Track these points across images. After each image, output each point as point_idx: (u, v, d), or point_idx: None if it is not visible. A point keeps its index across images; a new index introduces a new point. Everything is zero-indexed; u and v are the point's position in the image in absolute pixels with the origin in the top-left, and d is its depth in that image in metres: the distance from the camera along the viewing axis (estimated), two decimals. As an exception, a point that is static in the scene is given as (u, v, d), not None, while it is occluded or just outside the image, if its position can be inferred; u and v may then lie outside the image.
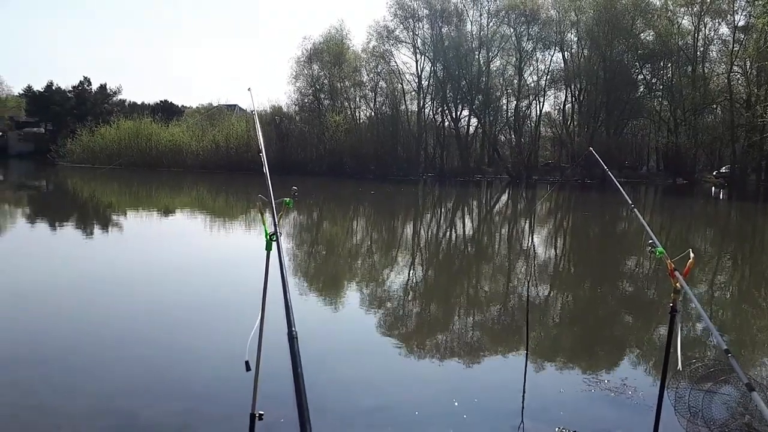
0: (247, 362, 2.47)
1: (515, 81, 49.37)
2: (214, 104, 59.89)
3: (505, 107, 51.26)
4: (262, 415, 2.62)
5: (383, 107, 51.12)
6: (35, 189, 30.60)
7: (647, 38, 46.77)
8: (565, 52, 48.60)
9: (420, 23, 49.10)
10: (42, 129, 69.07)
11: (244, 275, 9.25)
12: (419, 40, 49.37)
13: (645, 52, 46.23)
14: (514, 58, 49.00)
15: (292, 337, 1.67)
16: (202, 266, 10.31)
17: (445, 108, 50.27)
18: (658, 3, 46.21)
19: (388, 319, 7.15)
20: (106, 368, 5.04)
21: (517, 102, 49.65)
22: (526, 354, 5.48)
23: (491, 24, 49.35)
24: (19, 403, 4.21)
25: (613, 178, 4.54)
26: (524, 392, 4.75)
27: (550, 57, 49.26)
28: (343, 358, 5.65)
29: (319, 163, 45.12)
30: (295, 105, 50.66)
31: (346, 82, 50.26)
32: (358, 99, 51.66)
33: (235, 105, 60.21)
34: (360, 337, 6.39)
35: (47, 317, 6.67)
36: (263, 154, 2.76)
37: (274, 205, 2.35)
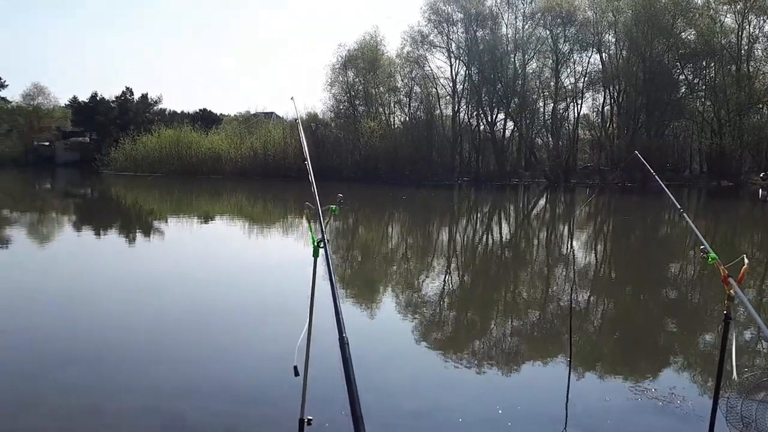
0: (295, 367, 2.50)
1: (552, 83, 48.78)
2: (252, 112, 60.88)
3: (541, 110, 50.68)
4: (311, 420, 2.65)
5: (418, 112, 51.16)
6: (81, 197, 31.62)
7: (688, 37, 45.58)
8: (603, 53, 47.79)
9: (454, 27, 49.07)
10: (87, 138, 71.31)
11: (287, 279, 9.40)
12: (454, 45, 49.33)
13: (686, 52, 45.05)
14: (551, 60, 48.43)
15: (343, 343, 1.69)
16: (245, 270, 10.49)
17: (481, 112, 50.00)
18: (699, 1, 45.07)
19: (427, 325, 7.14)
20: (154, 369, 5.17)
21: (554, 104, 49.03)
22: (569, 361, 5.39)
23: (527, 26, 48.97)
24: (72, 404, 4.35)
25: (660, 182, 4.42)
26: (567, 400, 4.68)
27: (587, 58, 48.52)
28: (385, 363, 5.66)
29: (353, 168, 45.35)
30: (331, 111, 51.17)
31: (381, 88, 50.50)
32: (392, 104, 51.86)
33: (272, 113, 61.10)
34: (400, 342, 6.38)
35: (98, 319, 6.88)
36: (308, 162, 2.80)
37: (320, 213, 2.38)
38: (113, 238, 15.28)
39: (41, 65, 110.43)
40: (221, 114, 73.46)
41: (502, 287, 10.05)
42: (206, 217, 20.52)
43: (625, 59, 46.76)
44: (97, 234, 16.02)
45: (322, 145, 49.50)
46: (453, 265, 11.86)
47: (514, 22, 49.13)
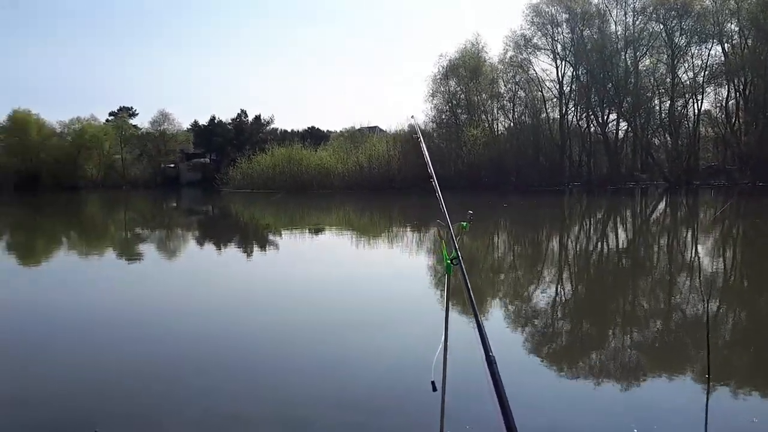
0: (433, 382, 2.54)
1: (668, 79, 45.80)
2: (357, 127, 62.49)
3: (657, 108, 47.65)
4: (450, 434, 2.68)
5: (522, 117, 50.10)
6: (203, 213, 33.98)
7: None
8: (725, 44, 44.14)
9: (559, 28, 47.59)
10: (207, 159, 76.67)
11: (412, 292, 9.54)
12: (559, 46, 47.81)
13: (823, 35, 40.64)
14: (666, 56, 45.55)
15: (490, 361, 1.71)
16: (367, 281, 10.79)
17: (591, 113, 47.98)
18: (838, -22, 40.55)
19: (549, 338, 6.95)
20: (284, 377, 5.41)
21: (671, 102, 45.97)
22: (708, 378, 5.03)
23: (638, 22, 46.46)
24: (210, 409, 4.65)
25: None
26: (707, 420, 4.38)
27: (707, 51, 45.00)
28: (512, 378, 5.56)
29: (457, 178, 45.15)
30: (432, 122, 51.36)
31: (483, 95, 49.98)
32: (495, 111, 51.11)
33: (375, 126, 62.37)
34: (526, 357, 6.24)
35: (228, 328, 7.33)
36: (434, 179, 2.85)
37: (452, 230, 2.42)
38: (236, 250, 16.27)
39: (166, 93, 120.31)
40: (328, 130, 76.05)
41: (626, 297, 9.56)
42: (317, 230, 21.30)
43: (750, 49, 42.94)
44: (217, 248, 17.14)
45: (424, 155, 49.73)
46: (566, 275, 11.45)
47: (623, 18, 46.86)
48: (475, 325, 1.87)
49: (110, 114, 77.93)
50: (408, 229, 21.15)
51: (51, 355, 6.24)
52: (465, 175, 44.77)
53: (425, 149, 3.12)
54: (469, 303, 1.92)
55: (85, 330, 7.33)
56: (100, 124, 72.38)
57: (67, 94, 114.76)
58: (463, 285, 2.06)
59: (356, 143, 52.60)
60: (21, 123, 65.96)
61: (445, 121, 50.65)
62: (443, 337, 2.66)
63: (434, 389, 2.54)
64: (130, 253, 15.71)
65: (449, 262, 2.45)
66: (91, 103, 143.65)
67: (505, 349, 6.45)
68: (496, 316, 8.16)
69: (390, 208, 32.32)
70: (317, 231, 21.14)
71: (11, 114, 66.66)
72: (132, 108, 79.89)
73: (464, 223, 2.55)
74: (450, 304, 2.81)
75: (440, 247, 2.56)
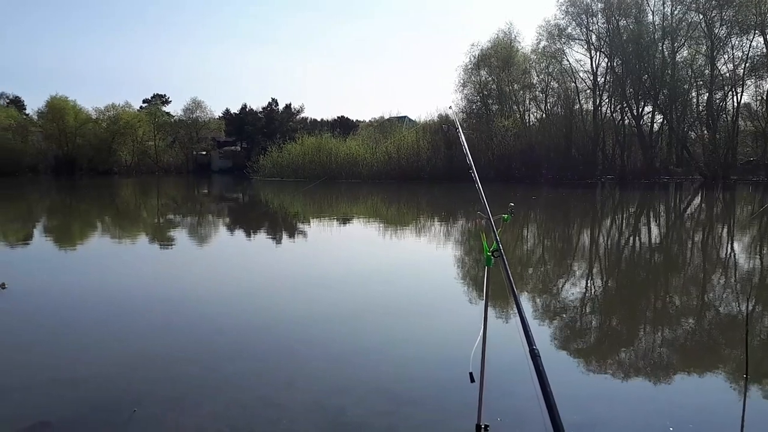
0: (471, 374, 2.54)
1: (706, 71, 44.55)
2: (386, 117, 62.36)
3: (695, 101, 46.45)
4: (488, 426, 2.68)
5: (555, 108, 49.36)
6: (234, 201, 34.40)
7: None
8: (768, 35, 42.73)
9: (594, 18, 46.62)
10: (238, 147, 77.61)
11: (449, 283, 9.56)
12: (594, 36, 46.87)
13: None
14: (704, 47, 44.28)
15: (534, 355, 1.70)
16: (404, 270, 10.82)
17: (625, 105, 47.00)
18: None
19: (586, 333, 6.88)
20: (320, 365, 5.45)
21: (709, 94, 44.71)
22: (746, 377, 4.93)
23: (676, 12, 45.20)
24: (245, 396, 4.73)
25: None
26: (743, 421, 4.30)
27: (748, 42, 43.57)
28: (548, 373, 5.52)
29: (486, 169, 44.75)
30: (462, 112, 50.91)
31: (515, 86, 49.38)
32: (527, 101, 50.49)
33: (404, 116, 62.19)
34: (560, 351, 6.18)
35: (264, 315, 7.43)
36: (473, 171, 2.84)
37: (492, 222, 2.41)
38: (268, 238, 16.45)
39: (199, 81, 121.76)
40: (357, 120, 76.17)
41: (660, 294, 9.39)
42: (346, 219, 21.38)
43: (795, 39, 41.49)
44: (251, 234, 17.36)
45: (454, 146, 49.47)
46: (596, 270, 11.30)
47: (661, 8, 45.64)
48: (518, 318, 1.86)
49: (144, 101, 79.37)
50: (439, 220, 21.10)
51: (93, 338, 6.43)
52: (494, 166, 44.39)
53: (464, 141, 3.09)
54: (511, 296, 1.92)
55: (123, 313, 7.52)
56: (134, 111, 73.70)
57: (103, 81, 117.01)
58: (504, 278, 2.06)
59: (385, 133, 52.55)
60: (58, 109, 67.53)
61: (475, 111, 50.26)
62: (482, 329, 2.66)
63: (472, 380, 2.54)
64: (164, 238, 16.01)
65: (490, 254, 2.44)
66: (126, 90, 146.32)
67: (540, 343, 6.40)
68: (530, 310, 8.12)
69: (418, 198, 32.26)
70: (347, 220, 21.22)
71: (49, 100, 68.31)
72: (165, 95, 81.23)
73: (506, 216, 2.54)
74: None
75: (481, 239, 2.55)
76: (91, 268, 11.31)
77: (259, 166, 52.98)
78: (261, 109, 77.52)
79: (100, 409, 4.39)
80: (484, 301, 2.68)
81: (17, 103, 75.06)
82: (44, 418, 4.18)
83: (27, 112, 73.60)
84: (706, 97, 45.25)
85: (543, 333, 6.59)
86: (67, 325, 6.89)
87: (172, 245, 14.66)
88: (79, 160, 67.73)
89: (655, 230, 18.26)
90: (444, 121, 50.84)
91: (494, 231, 2.38)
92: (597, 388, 5.10)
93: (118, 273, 10.58)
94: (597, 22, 46.62)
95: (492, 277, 2.61)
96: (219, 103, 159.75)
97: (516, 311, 1.88)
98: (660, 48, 45.54)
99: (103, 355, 5.72)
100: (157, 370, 5.30)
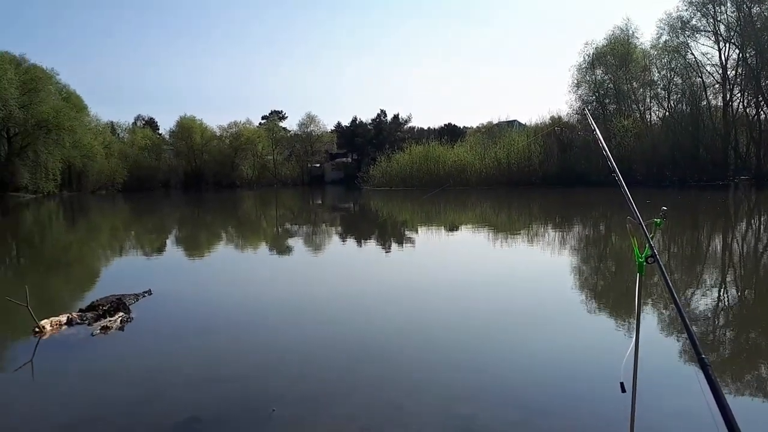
0: (622, 383, 2.43)
1: None
2: (494, 122, 61.48)
3: None
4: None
5: (679, 105, 46.22)
6: (345, 210, 35.40)
7: None
8: None
9: (722, 7, 43.18)
10: (349, 159, 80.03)
11: (595, 290, 9.24)
12: (722, 27, 43.40)
13: None
14: None
15: (705, 365, 1.60)
16: (548, 279, 10.62)
17: (761, 99, 42.95)
18: None
19: (733, 347, 6.33)
20: (451, 373, 5.44)
21: None
22: None
23: (822, -8, 40.78)
24: (375, 397, 4.82)
25: None
26: None
27: None
28: (682, 384, 5.15)
29: (604, 171, 42.59)
30: (577, 114, 49.07)
31: (634, 83, 46.91)
32: (648, 100, 47.79)
33: (514, 120, 60.96)
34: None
35: (396, 320, 7.49)
36: (618, 175, 2.72)
37: (644, 227, 2.29)
38: (382, 247, 16.74)
39: (312, 96, 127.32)
40: (464, 127, 75.83)
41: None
42: (454, 227, 21.26)
43: None
44: (360, 243, 17.75)
45: (568, 149, 47.73)
46: (730, 279, 10.37)
47: (802, -12, 41.36)
48: (672, 327, 1.75)
49: (263, 117, 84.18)
50: (569, 226, 20.42)
51: (230, 342, 6.87)
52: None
53: (603, 143, 2.98)
54: (673, 303, 1.81)
55: (257, 317, 7.96)
56: (254, 128, 78.32)
57: (227, 100, 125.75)
58: (664, 285, 1.94)
59: (494, 138, 51.84)
60: (187, 128, 73.37)
61: (591, 111, 48.18)
62: (634, 337, 2.53)
63: (623, 390, 2.42)
64: (281, 248, 16.80)
65: (642, 261, 2.32)
66: (246, 108, 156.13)
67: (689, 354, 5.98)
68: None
69: (533, 204, 31.39)
70: (468, 229, 21.11)
71: (179, 120, 74.40)
72: (282, 111, 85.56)
73: (657, 220, 2.40)
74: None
75: (633, 245, 2.42)
76: (221, 275, 12.09)
77: (369, 176, 54.24)
78: (370, 121, 79.51)
79: (243, 407, 4.67)
80: (636, 308, 2.55)
81: (151, 124, 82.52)
82: (195, 414, 4.52)
83: (160, 132, 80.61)
84: None
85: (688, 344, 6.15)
86: (205, 328, 7.40)
87: (291, 253, 15.33)
88: (206, 175, 73.03)
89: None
90: (557, 122, 49.24)
91: (647, 236, 2.26)
92: (753, 409, 4.65)
93: (246, 279, 11.25)
94: (726, 11, 43.18)
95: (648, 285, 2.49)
96: (331, 116, 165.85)
97: (679, 319, 1.77)
98: (802, 34, 41.28)
99: (241, 357, 6.09)
100: (292, 372, 5.55)
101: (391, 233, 20.36)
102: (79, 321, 7.32)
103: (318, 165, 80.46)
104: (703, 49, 46.03)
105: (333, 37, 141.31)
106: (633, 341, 2.49)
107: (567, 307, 8.14)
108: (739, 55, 43.26)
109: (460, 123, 78.99)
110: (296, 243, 17.90)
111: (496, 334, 6.84)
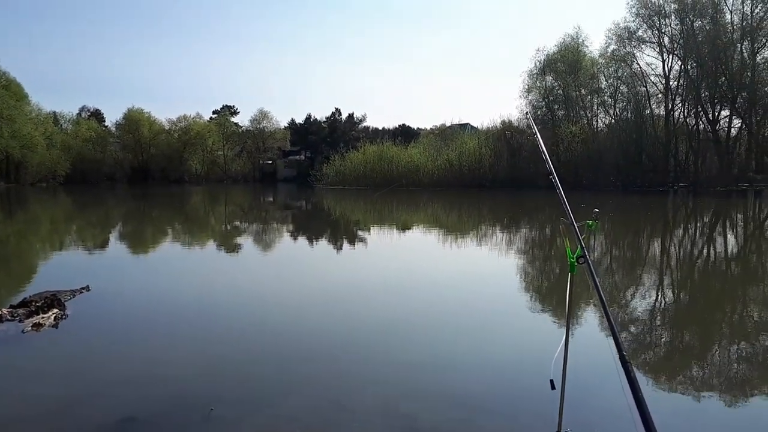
0: (551, 381, 2.49)
1: (791, 72, 42.12)
2: (447, 124, 62.21)
3: (777, 104, 43.95)
4: (570, 432, 2.61)
5: (624, 113, 47.85)
6: (297, 208, 35.08)
7: None
8: None
9: (667, 20, 45.03)
10: (302, 156, 79.35)
11: (527, 290, 9.41)
12: (666, 38, 45.24)
13: None
14: (789, 46, 41.90)
15: (625, 362, 1.64)
16: (482, 279, 10.72)
17: (700, 109, 44.97)
18: None
19: (663, 345, 6.59)
20: (392, 372, 5.44)
21: (793, 97, 42.24)
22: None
23: (757, 11, 43.02)
24: (316, 396, 4.79)
25: None
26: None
27: (838, 40, 40.92)
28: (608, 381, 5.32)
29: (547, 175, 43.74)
30: (526, 118, 50.18)
31: (582, 91, 48.27)
32: (595, 107, 49.21)
33: (467, 124, 61.82)
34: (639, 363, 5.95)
35: (338, 320, 7.46)
36: (554, 177, 2.78)
37: (576, 229, 2.35)
38: (332, 245, 16.67)
39: (266, 92, 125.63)
40: (418, 128, 76.35)
41: (738, 307, 8.88)
42: (406, 227, 21.40)
43: None
44: (311, 242, 17.64)
45: (518, 153, 48.73)
46: (667, 281, 10.81)
47: (740, 7, 43.52)
48: (599, 326, 1.80)
49: (214, 112, 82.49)
50: (511, 228, 20.80)
51: (171, 341, 6.69)
52: (560, 173, 43.16)
53: (543, 146, 3.04)
54: (599, 302, 1.86)
55: (198, 316, 7.78)
56: (204, 122, 76.65)
57: (176, 93, 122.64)
58: (591, 284, 1.99)
59: (447, 141, 52.42)
60: (134, 121, 71.21)
61: (540, 117, 49.36)
62: (564, 335, 2.59)
63: (553, 387, 2.48)
64: (229, 246, 16.51)
65: (574, 260, 2.37)
66: (196, 101, 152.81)
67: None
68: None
69: (481, 206, 31.91)
70: (419, 229, 21.24)
71: (126, 113, 72.11)
72: (233, 106, 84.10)
73: (590, 222, 2.47)
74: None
75: (566, 247, 2.48)
76: (164, 272, 11.79)
77: (323, 174, 53.93)
78: (325, 119, 79.08)
79: (180, 406, 4.56)
80: (567, 308, 2.61)
81: (97, 115, 79.65)
82: (131, 414, 4.38)
83: (106, 123, 77.94)
84: (790, 100, 42.74)
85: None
86: (145, 326, 7.19)
87: (239, 251, 15.08)
88: (153, 170, 71.04)
89: (731, 240, 17.30)
90: (507, 127, 50.17)
91: (579, 237, 2.32)
92: (675, 402, 4.85)
93: (190, 277, 10.99)
94: (670, 24, 45.03)
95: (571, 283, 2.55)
96: (284, 113, 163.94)
97: (604, 317, 1.82)
98: (739, 49, 43.43)
99: (180, 356, 5.94)
100: (232, 371, 5.45)
101: (342, 232, 20.30)
102: (9, 318, 6.99)
103: (270, 162, 79.39)
104: (648, 59, 48.08)
105: (289, 37, 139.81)
106: (563, 339, 2.55)
107: (509, 308, 8.30)
108: (681, 66, 45.21)
109: (414, 124, 79.58)
110: (244, 241, 17.61)
111: (439, 333, 6.90)
